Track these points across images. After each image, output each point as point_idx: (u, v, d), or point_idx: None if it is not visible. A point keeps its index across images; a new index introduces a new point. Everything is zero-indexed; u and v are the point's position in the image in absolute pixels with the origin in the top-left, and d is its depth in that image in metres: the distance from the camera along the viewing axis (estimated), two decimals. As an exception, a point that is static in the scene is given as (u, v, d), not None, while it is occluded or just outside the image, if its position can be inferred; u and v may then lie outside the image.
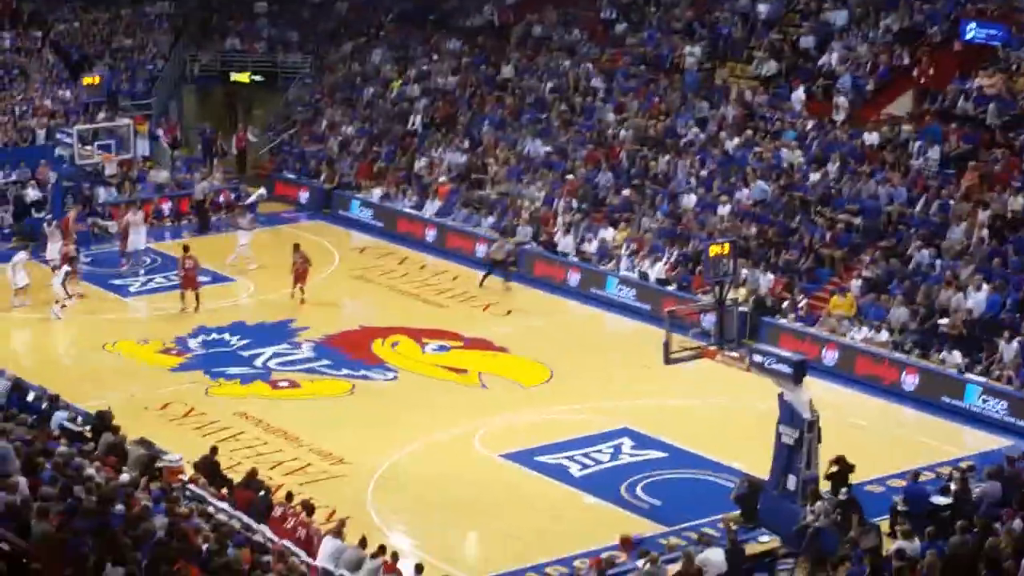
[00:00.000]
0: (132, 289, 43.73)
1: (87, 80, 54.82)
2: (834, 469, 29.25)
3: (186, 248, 42.88)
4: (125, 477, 25.73)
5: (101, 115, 53.81)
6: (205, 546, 22.69)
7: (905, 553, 24.46)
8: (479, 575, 27.43)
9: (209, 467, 29.35)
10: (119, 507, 22.97)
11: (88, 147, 50.16)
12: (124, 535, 20.99)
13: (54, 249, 43.36)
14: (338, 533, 26.07)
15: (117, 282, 44.37)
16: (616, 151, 49.47)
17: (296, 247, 43.02)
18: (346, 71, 60.73)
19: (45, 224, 45.50)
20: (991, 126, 44.14)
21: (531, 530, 29.57)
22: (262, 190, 53.26)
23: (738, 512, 29.27)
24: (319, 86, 60.36)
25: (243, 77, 60.48)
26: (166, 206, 51.65)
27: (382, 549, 25.84)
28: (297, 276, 42.56)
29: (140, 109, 56.55)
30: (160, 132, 56.28)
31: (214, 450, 30.22)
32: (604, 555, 26.70)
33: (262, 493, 28.07)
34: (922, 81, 47.16)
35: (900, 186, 43.03)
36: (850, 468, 29.42)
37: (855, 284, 40.04)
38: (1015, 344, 36.01)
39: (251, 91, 61.31)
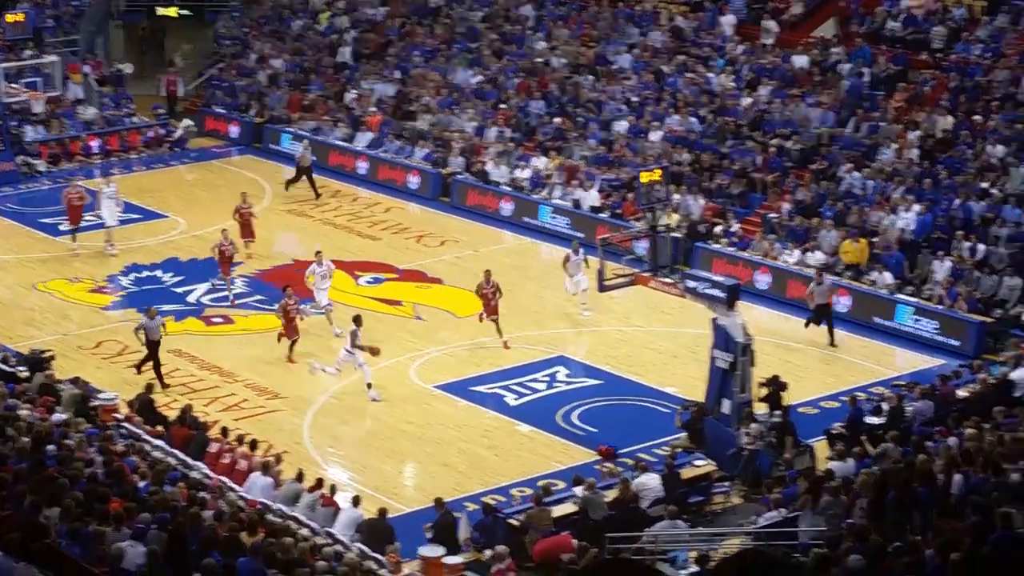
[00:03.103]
0: (62, 228, 43.28)
1: (11, 17, 54.03)
2: (765, 392, 29.45)
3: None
4: (59, 417, 25.64)
5: (27, 52, 53.14)
6: (141, 484, 22.69)
7: (835, 473, 24.73)
8: (417, 506, 27.48)
9: (144, 405, 29.29)
10: (52, 447, 22.93)
11: (14, 85, 49.56)
12: (59, 475, 20.93)
13: None
14: (266, 469, 26.05)
15: (47, 221, 43.91)
16: (547, 79, 49.36)
17: (487, 274, 35.34)
18: (274, 3, 60.20)
19: None
20: (922, 47, 44.48)
21: (468, 460, 29.68)
22: (187, 121, 52.92)
23: (685, 436, 29.43)
24: (247, 19, 59.80)
25: (170, 11, 59.76)
26: (95, 143, 51.12)
27: (319, 482, 25.91)
28: (489, 308, 35.24)
29: (66, 46, 55.86)
30: (87, 69, 55.64)
31: (149, 388, 30.16)
32: (540, 483, 26.87)
33: (197, 430, 28.06)
34: (842, 4, 47.47)
35: (830, 109, 43.18)
36: (783, 387, 29.64)
37: (786, 207, 40.20)
38: (947, 264, 36.28)
39: (178, 25, 60.61)
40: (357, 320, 32.85)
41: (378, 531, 24.47)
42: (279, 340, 34.47)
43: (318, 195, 46.42)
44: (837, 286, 36.11)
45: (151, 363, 32.83)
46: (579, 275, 36.47)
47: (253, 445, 27.39)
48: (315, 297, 36.04)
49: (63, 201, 42.01)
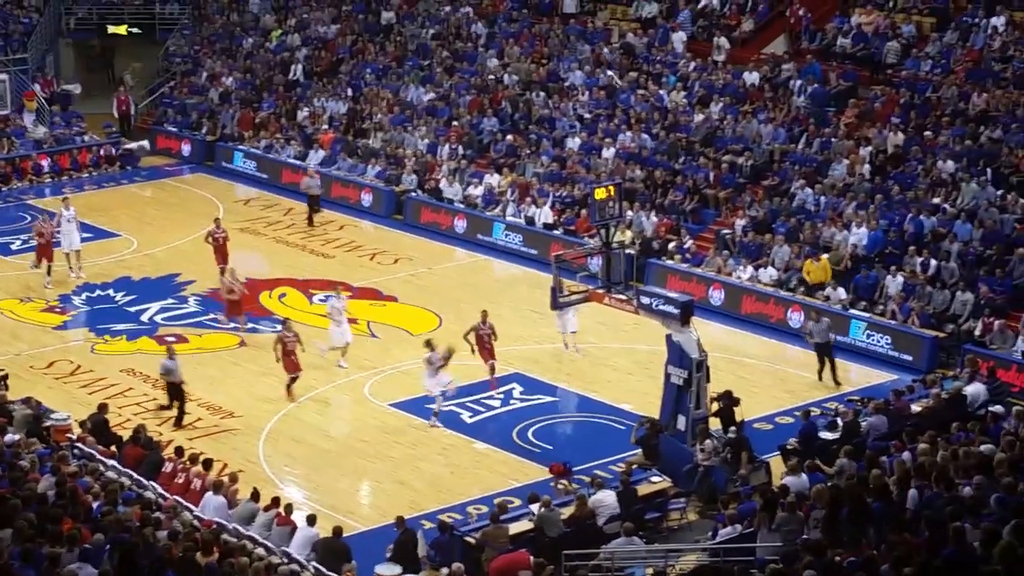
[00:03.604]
0: (13, 247, 43.03)
1: (-41, 36, 53.88)
2: (717, 407, 29.49)
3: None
4: (11, 437, 25.47)
5: (-24, 72, 52.96)
6: (95, 504, 22.55)
7: (790, 488, 24.76)
8: (373, 524, 27.40)
9: (98, 425, 29.10)
10: (3, 468, 22.79)
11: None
12: (11, 495, 20.78)
13: None
14: (217, 488, 25.92)
15: (-2, 240, 43.81)
16: (499, 96, 49.41)
17: (484, 314, 33.50)
18: (225, 21, 60.13)
19: None
20: (872, 62, 44.77)
21: (424, 478, 29.59)
22: (143, 142, 52.76)
23: (640, 453, 29.41)
24: (198, 37, 59.68)
25: (120, 29, 59.56)
26: (45, 162, 50.89)
27: (275, 501, 25.80)
28: (486, 352, 33.48)
29: (15, 64, 55.59)
30: (37, 87, 55.39)
31: (102, 407, 29.95)
32: (496, 500, 26.83)
33: (151, 450, 27.90)
34: (792, 21, 47.74)
35: (782, 125, 43.37)
36: (735, 402, 29.68)
37: (739, 223, 40.32)
38: (899, 279, 36.44)
39: (129, 43, 60.42)
40: (429, 344, 32.03)
41: (334, 550, 24.34)
42: (290, 385, 33.28)
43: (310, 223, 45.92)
44: (830, 319, 34.73)
45: (180, 404, 31.91)
46: (569, 314, 34.50)
47: (207, 464, 27.25)
48: (331, 331, 34.89)
49: (34, 236, 40.79)
